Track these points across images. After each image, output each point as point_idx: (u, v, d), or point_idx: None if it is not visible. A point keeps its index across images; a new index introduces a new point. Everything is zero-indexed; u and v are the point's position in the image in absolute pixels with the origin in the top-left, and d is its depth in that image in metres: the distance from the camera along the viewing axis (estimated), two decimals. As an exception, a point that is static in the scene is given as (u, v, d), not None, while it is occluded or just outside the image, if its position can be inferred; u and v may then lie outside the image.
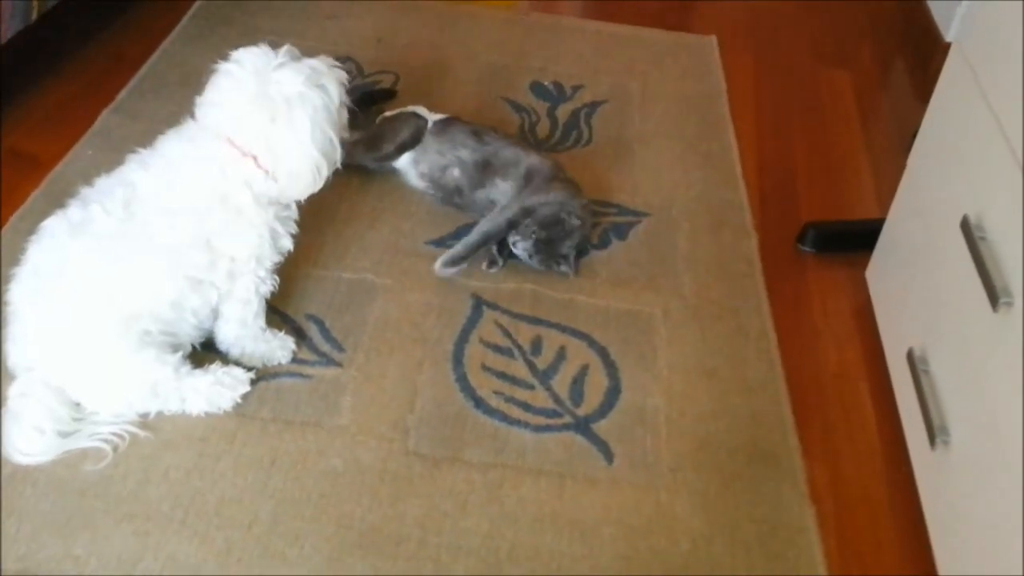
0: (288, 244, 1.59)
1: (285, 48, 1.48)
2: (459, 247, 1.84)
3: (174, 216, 1.45)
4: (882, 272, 1.84)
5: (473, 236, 1.85)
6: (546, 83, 2.47)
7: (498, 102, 2.38)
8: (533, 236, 1.84)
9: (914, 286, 1.64)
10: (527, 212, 1.87)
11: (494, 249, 1.88)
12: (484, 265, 1.87)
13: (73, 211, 1.47)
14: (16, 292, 1.48)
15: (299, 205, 1.59)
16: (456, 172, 1.97)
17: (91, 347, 1.45)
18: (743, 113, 2.45)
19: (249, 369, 1.60)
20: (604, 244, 1.98)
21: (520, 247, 1.86)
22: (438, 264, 1.83)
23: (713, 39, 2.73)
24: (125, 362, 1.47)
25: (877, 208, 2.16)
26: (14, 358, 1.49)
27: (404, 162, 2.03)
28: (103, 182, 1.51)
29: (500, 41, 2.62)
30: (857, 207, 2.19)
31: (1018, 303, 1.24)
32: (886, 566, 1.47)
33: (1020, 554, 1.15)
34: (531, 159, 1.97)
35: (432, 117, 2.06)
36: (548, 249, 1.85)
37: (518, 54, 2.57)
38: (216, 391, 1.55)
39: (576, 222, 1.86)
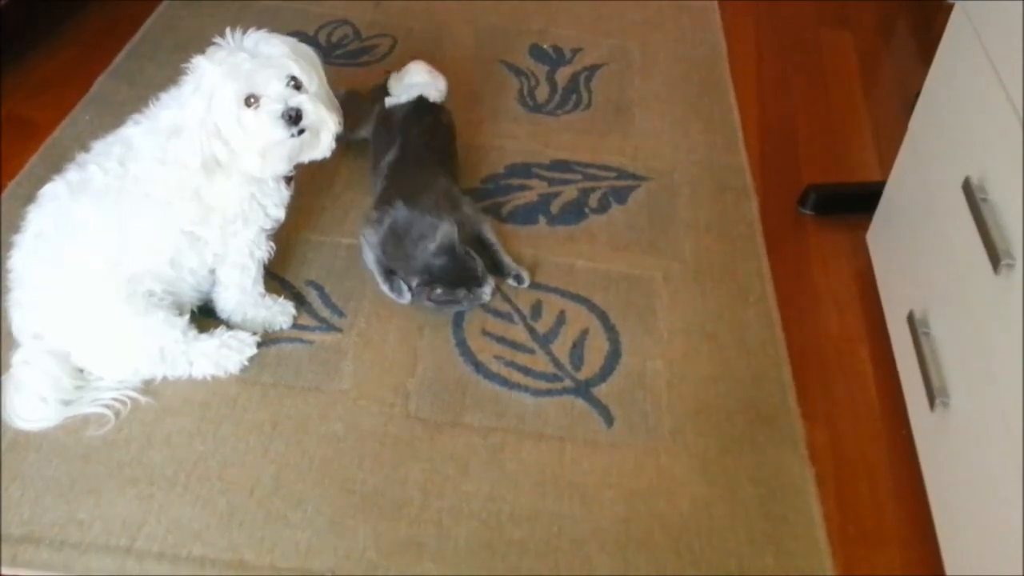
0: (278, 213, 1.58)
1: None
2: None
3: (164, 167, 1.45)
4: (883, 235, 1.83)
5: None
6: (545, 46, 2.45)
7: (497, 65, 2.36)
8: (439, 295, 1.67)
9: (915, 248, 1.64)
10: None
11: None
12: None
13: (72, 174, 1.48)
14: (19, 258, 1.48)
15: (296, 173, 1.58)
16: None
17: (98, 310, 1.46)
18: (744, 75, 2.43)
19: (253, 334, 1.61)
20: (604, 208, 1.98)
21: (444, 305, 1.70)
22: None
23: (714, 1, 2.71)
24: (133, 325, 1.47)
25: (879, 170, 2.15)
26: (19, 324, 1.49)
27: None
28: (100, 144, 1.51)
29: (499, 3, 2.59)
30: (858, 169, 2.18)
31: (1019, 265, 1.24)
32: (885, 528, 1.48)
33: (1019, 515, 1.16)
34: (380, 186, 1.82)
35: (410, 92, 1.95)
36: (462, 283, 1.68)
37: (517, 17, 2.55)
38: (223, 354, 1.55)
39: (446, 240, 1.66)
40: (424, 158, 1.86)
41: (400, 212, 1.71)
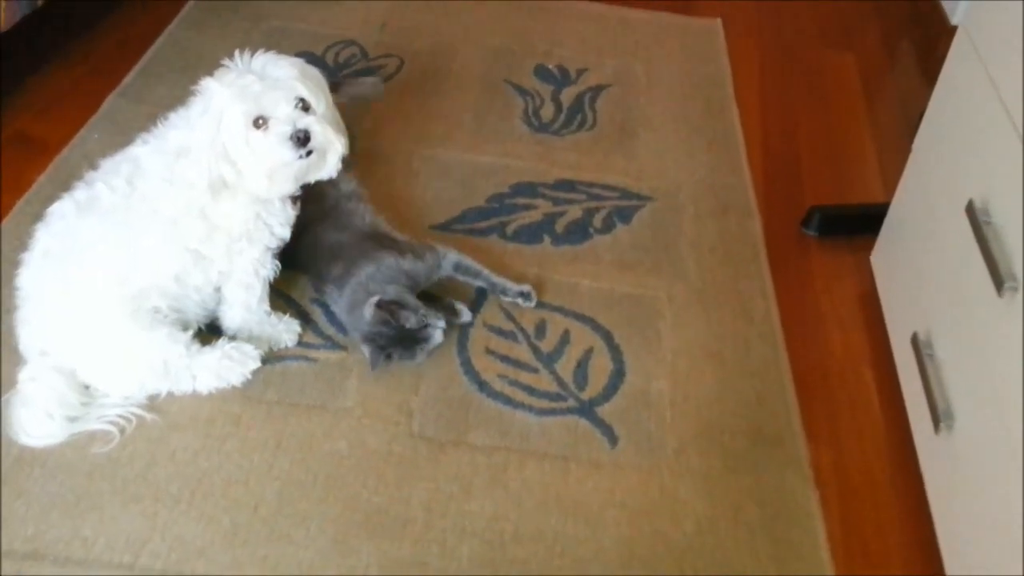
0: (284, 232, 1.59)
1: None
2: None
3: (171, 186, 1.46)
4: (887, 256, 1.84)
5: None
6: (550, 66, 2.46)
7: (502, 86, 2.37)
8: (385, 352, 1.61)
9: (919, 270, 1.64)
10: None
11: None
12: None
13: (79, 192, 1.49)
14: (26, 276, 1.48)
15: (302, 193, 1.59)
16: None
17: (103, 326, 1.46)
18: (748, 96, 2.44)
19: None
20: (608, 228, 1.98)
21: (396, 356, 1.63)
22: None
23: (718, 22, 2.73)
24: (137, 340, 1.48)
25: (882, 192, 2.16)
26: (26, 341, 1.50)
27: None
28: (108, 162, 1.52)
29: (505, 24, 2.61)
30: (862, 191, 2.19)
31: (1023, 288, 1.24)
32: (889, 549, 1.48)
33: (1023, 537, 1.15)
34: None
35: None
36: (405, 343, 1.62)
37: (522, 37, 2.57)
38: (226, 366, 1.55)
39: (378, 314, 1.59)
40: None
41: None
